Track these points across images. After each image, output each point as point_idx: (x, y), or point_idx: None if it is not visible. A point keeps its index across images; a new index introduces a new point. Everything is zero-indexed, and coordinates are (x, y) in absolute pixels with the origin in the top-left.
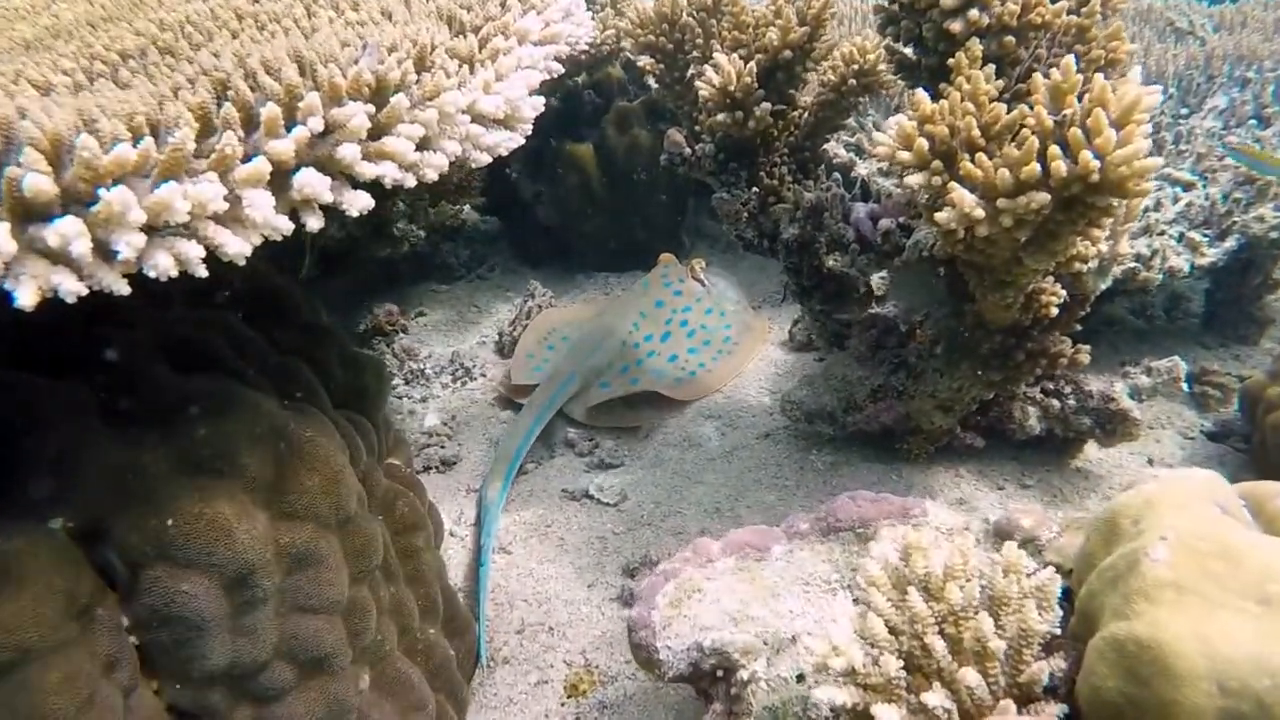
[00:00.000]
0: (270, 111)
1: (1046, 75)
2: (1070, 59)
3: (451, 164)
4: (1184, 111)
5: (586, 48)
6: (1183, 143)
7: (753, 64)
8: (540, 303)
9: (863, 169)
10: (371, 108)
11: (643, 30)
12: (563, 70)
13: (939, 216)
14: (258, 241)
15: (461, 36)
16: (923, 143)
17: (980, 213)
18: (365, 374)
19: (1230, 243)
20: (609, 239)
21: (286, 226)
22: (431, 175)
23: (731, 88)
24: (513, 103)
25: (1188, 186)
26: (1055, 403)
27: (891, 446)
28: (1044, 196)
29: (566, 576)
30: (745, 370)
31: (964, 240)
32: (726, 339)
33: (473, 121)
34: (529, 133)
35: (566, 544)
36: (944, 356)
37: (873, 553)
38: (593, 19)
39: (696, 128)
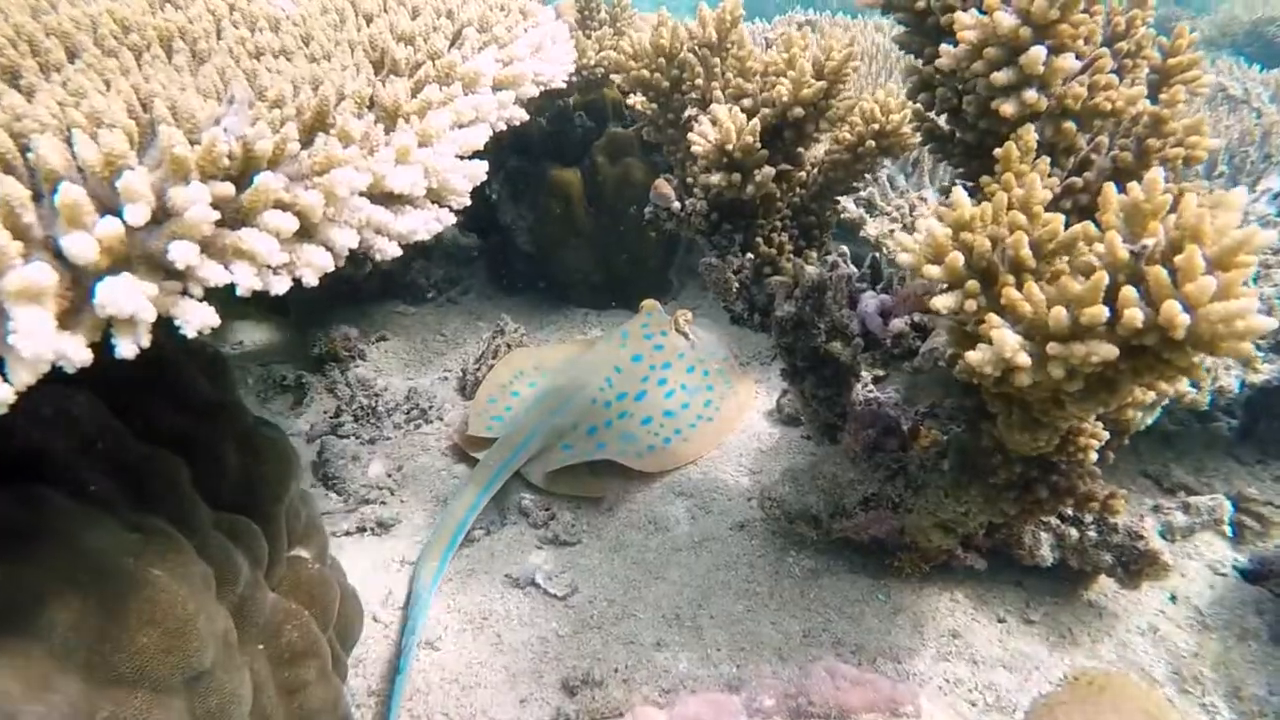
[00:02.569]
0: (70, 196)
1: (1109, 169)
2: (1158, 173)
3: (353, 253)
4: None
5: (563, 85)
6: None
7: (756, 121)
8: (509, 340)
9: (873, 229)
10: (230, 188)
11: (636, 63)
12: (526, 117)
13: (971, 357)
14: (31, 380)
15: (392, 78)
16: (957, 256)
17: (1025, 359)
18: (265, 462)
19: None
20: (592, 273)
21: (81, 357)
22: (310, 278)
23: (730, 146)
24: (439, 174)
25: None
26: (1073, 532)
27: (881, 558)
28: (1110, 350)
29: (498, 685)
30: (725, 440)
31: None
32: (708, 402)
33: (379, 201)
34: (465, 204)
35: (503, 643)
36: (951, 475)
37: None
38: (589, 38)
39: (689, 179)
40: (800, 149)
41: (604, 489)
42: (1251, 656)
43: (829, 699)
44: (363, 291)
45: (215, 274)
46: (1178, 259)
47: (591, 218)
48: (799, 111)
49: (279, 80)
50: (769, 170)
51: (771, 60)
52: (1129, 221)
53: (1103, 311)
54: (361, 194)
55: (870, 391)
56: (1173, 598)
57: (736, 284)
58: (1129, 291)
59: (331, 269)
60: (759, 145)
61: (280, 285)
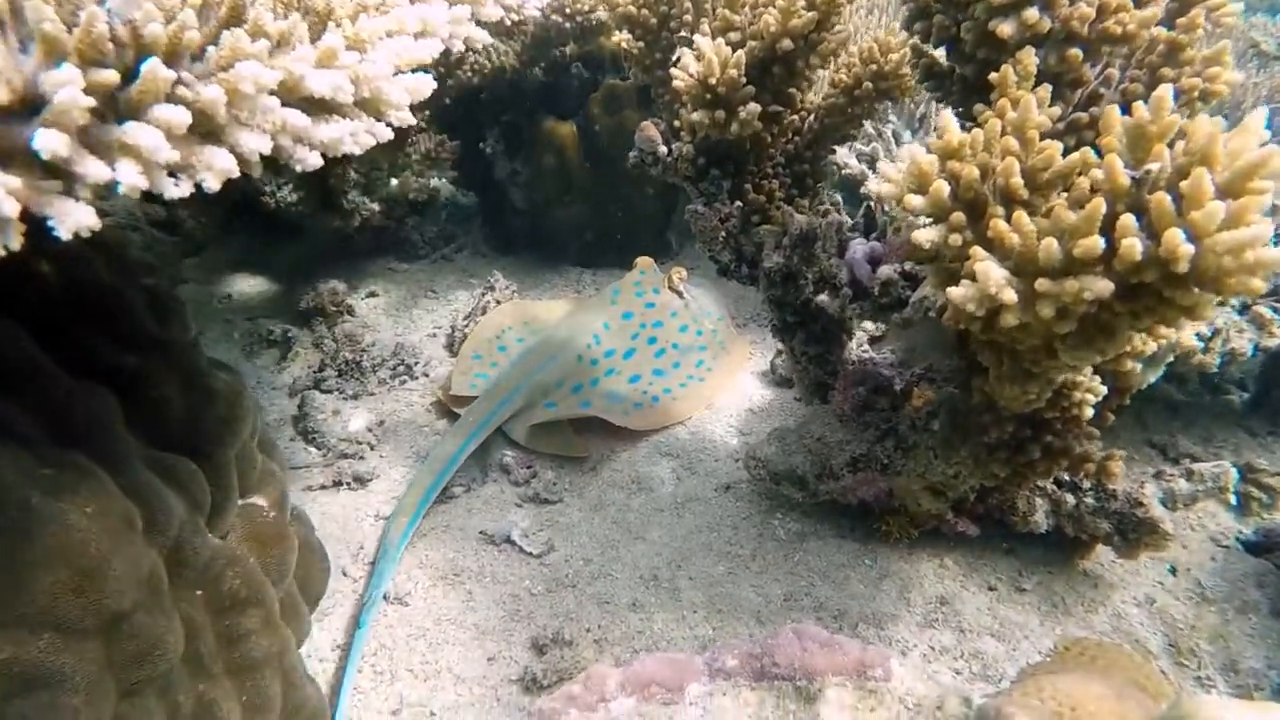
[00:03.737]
0: None
1: (1118, 103)
2: (1167, 91)
3: (270, 159)
4: None
5: (537, 12)
6: None
7: (741, 53)
8: (499, 296)
9: (873, 185)
10: (113, 75)
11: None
12: (488, 39)
13: (953, 293)
14: None
15: None
16: (942, 185)
17: (1010, 295)
18: (214, 403)
19: None
20: (587, 230)
21: None
22: (211, 183)
23: (713, 80)
24: (370, 83)
25: None
26: (1070, 498)
27: (870, 522)
28: (1104, 285)
29: (466, 643)
30: (716, 401)
31: (983, 318)
32: (699, 362)
33: (295, 106)
34: (407, 122)
35: (475, 600)
36: (941, 435)
37: None
38: None
39: (676, 122)
40: (791, 89)
41: (588, 448)
42: (1250, 630)
43: (794, 660)
44: (354, 246)
45: (95, 170)
46: (1183, 184)
47: (587, 173)
48: (788, 44)
49: None
50: (754, 107)
51: None
52: (1132, 146)
53: (1098, 243)
54: (278, 97)
55: (865, 351)
56: (1173, 569)
57: (724, 233)
58: (1128, 220)
59: (237, 173)
60: (744, 80)
61: (175, 189)
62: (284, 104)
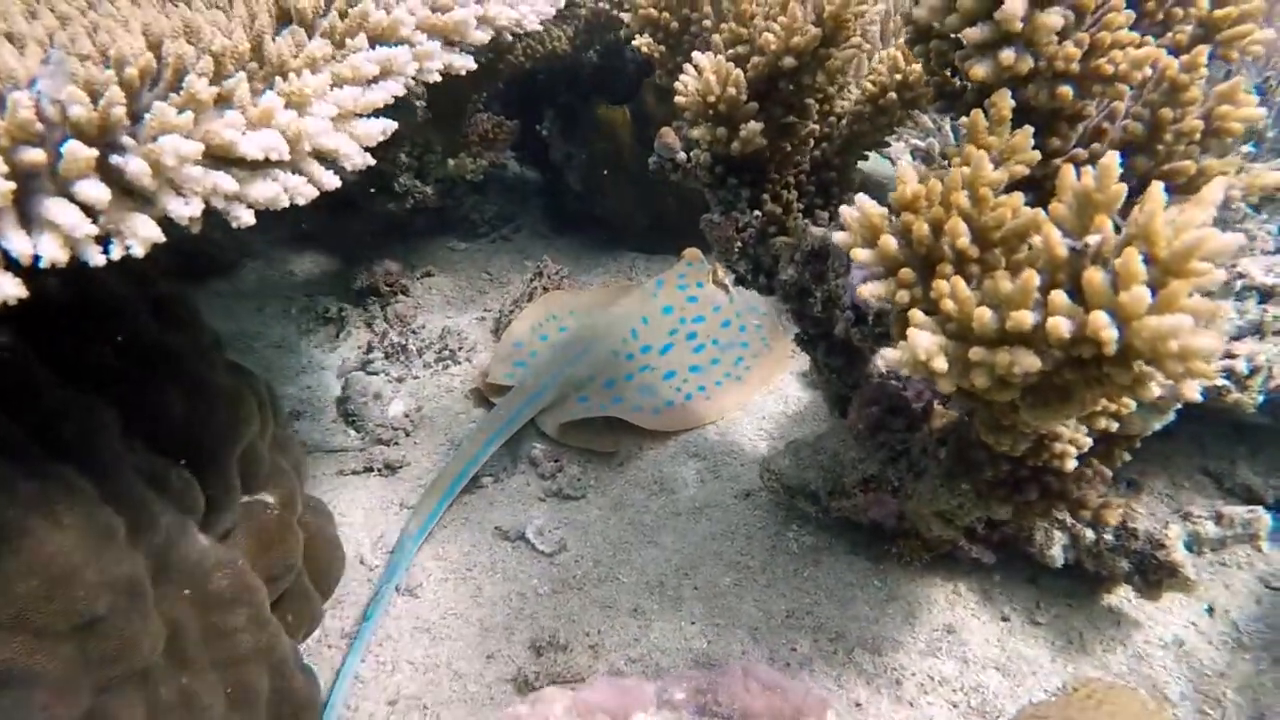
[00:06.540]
0: None
1: (1120, 141)
2: (1113, 158)
3: (208, 216)
4: None
5: (538, 27)
6: None
7: (739, 72)
8: (547, 283)
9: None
10: (40, 154)
11: (644, 1)
12: (471, 64)
13: (887, 354)
14: None
15: (290, 30)
16: (889, 240)
17: (942, 364)
18: (217, 407)
19: None
20: (640, 215)
21: None
22: (138, 250)
23: (712, 98)
24: (311, 138)
25: None
26: (1089, 533)
27: (884, 541)
28: (1032, 361)
29: (468, 638)
30: (751, 402)
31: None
32: (739, 360)
33: (232, 165)
34: (360, 165)
35: (482, 595)
36: (946, 465)
37: None
38: None
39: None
40: (806, 100)
41: (617, 444)
42: None
43: (735, 701)
44: (412, 226)
45: (19, 245)
46: (1117, 262)
47: (639, 158)
48: (790, 62)
49: (125, 36)
50: (755, 126)
51: (770, 4)
52: (1079, 213)
53: (1027, 317)
54: (214, 158)
55: (885, 374)
56: (1209, 610)
57: (739, 243)
58: (1058, 297)
59: (163, 240)
60: (745, 99)
61: (101, 258)
62: (223, 163)
